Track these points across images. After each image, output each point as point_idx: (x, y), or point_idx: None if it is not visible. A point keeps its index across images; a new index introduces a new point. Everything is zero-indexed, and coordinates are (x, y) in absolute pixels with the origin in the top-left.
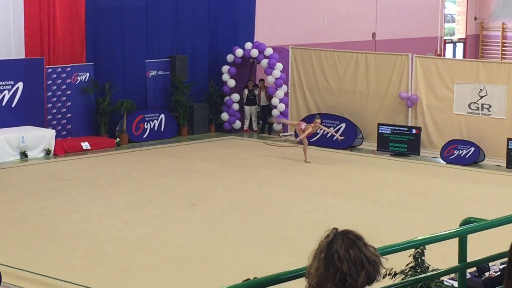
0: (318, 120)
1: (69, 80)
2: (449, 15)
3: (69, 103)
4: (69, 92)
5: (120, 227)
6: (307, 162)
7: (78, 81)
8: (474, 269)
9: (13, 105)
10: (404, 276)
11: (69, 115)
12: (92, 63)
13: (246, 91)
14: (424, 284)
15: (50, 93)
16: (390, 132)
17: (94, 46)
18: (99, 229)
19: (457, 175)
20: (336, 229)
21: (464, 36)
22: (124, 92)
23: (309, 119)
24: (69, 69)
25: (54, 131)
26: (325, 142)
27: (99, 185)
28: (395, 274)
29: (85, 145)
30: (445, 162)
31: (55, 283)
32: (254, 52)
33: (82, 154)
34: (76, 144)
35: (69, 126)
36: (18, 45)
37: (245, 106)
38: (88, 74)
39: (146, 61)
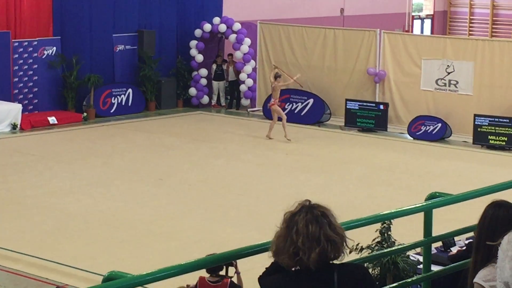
0: (276, 70)
1: (35, 54)
2: None
3: (36, 77)
4: (35, 66)
5: (87, 202)
6: (288, 139)
7: (45, 55)
8: (440, 244)
9: None
10: (370, 251)
11: (36, 89)
12: (59, 37)
13: (214, 66)
14: (390, 258)
15: (17, 67)
16: (357, 108)
17: (61, 20)
18: (66, 204)
19: (424, 150)
20: (309, 201)
21: (432, 12)
22: (92, 66)
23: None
24: (35, 43)
25: (20, 105)
26: (293, 118)
27: (66, 160)
28: (362, 249)
29: (52, 119)
30: (412, 138)
31: (21, 258)
32: (222, 27)
33: (49, 128)
34: (42, 118)
35: (36, 101)
36: None
37: (213, 81)
38: (55, 48)
39: (114, 35)
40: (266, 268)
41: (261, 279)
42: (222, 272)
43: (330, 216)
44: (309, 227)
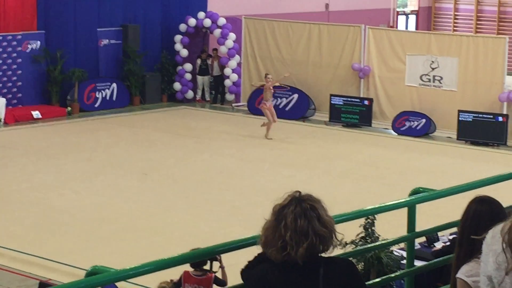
0: (270, 76)
1: (19, 48)
2: None
3: (20, 72)
4: (19, 60)
5: (71, 197)
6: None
7: (29, 49)
8: (424, 239)
9: None
10: (354, 246)
11: (20, 83)
12: (43, 31)
13: (199, 61)
14: (374, 254)
15: (0, 61)
16: (342, 103)
17: (45, 14)
18: (50, 199)
19: (408, 146)
20: (299, 193)
21: (416, 8)
22: (76, 61)
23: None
24: (19, 37)
25: (4, 99)
26: (277, 113)
27: (50, 154)
28: (346, 244)
29: (36, 114)
30: (396, 134)
31: (4, 252)
32: (207, 22)
33: (33, 123)
34: (26, 112)
35: (20, 95)
36: None
37: (197, 76)
38: (39, 42)
39: (98, 29)
40: (249, 261)
41: (243, 272)
42: (207, 267)
43: (320, 209)
44: (298, 222)
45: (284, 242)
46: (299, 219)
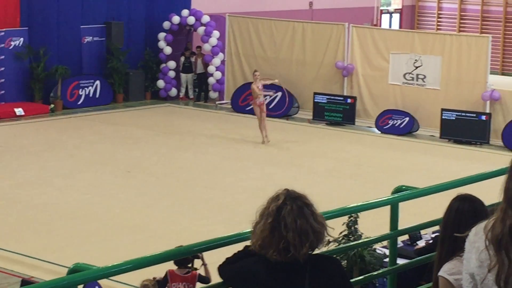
0: (257, 72)
1: (2, 45)
2: None
3: (3, 68)
4: (2, 57)
5: (54, 194)
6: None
7: (12, 46)
8: (407, 237)
9: None
10: (337, 244)
11: (3, 80)
12: (27, 28)
13: (182, 59)
14: (357, 252)
15: None
16: (325, 101)
17: (29, 10)
18: (32, 196)
19: (391, 144)
20: (288, 190)
21: (400, 7)
22: (59, 58)
23: (245, 87)
24: (2, 33)
25: None
26: None
27: (33, 152)
28: (329, 242)
29: (19, 111)
30: (379, 132)
31: None
32: (191, 20)
33: (16, 120)
34: (9, 109)
35: (3, 92)
36: None
37: (181, 73)
38: (22, 39)
39: (82, 26)
40: (228, 258)
41: (222, 267)
42: (190, 264)
43: (311, 205)
44: (297, 222)
45: (286, 243)
46: (298, 219)
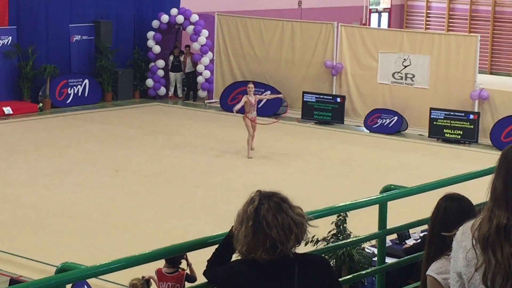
0: (251, 85)
1: None
2: None
3: None
4: None
5: (42, 193)
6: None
7: (0, 45)
8: (395, 236)
9: None
10: (326, 243)
11: None
12: (15, 26)
13: (171, 58)
14: (346, 251)
15: None
16: (314, 101)
17: (17, 9)
18: (20, 195)
19: (380, 143)
20: (260, 191)
21: (389, 6)
22: (48, 56)
23: (234, 86)
24: None
25: None
26: None
27: (21, 150)
28: (318, 241)
29: (7, 109)
30: (368, 131)
31: None
32: (180, 18)
33: (4, 118)
34: None
35: None
36: None
37: (170, 72)
38: (10, 37)
39: (70, 25)
40: (209, 260)
41: (209, 271)
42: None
43: (286, 199)
44: (278, 217)
45: (272, 241)
46: (278, 214)
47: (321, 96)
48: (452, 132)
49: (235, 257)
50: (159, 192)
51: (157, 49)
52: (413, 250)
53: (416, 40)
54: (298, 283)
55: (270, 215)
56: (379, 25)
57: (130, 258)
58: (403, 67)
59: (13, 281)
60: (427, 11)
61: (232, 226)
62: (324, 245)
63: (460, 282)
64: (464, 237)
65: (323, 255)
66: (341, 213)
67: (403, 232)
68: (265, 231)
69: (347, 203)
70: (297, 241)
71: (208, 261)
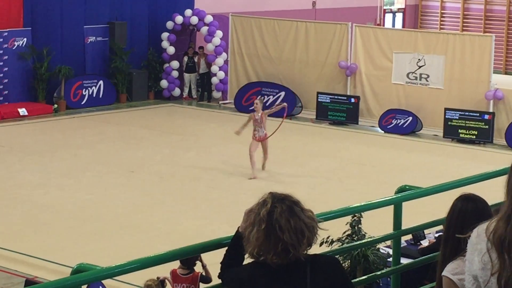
0: (257, 101)
1: (6, 45)
2: None
3: (6, 69)
4: (6, 57)
5: (57, 194)
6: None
7: (15, 46)
8: (410, 237)
9: None
10: (341, 244)
11: (6, 80)
12: (30, 28)
13: (185, 59)
14: (360, 251)
15: None
16: (329, 101)
17: (32, 10)
18: (35, 196)
19: (395, 144)
20: (272, 193)
21: (403, 6)
22: (62, 58)
23: (248, 87)
24: (6, 34)
25: None
26: (264, 110)
27: (36, 152)
28: (332, 241)
29: (22, 111)
30: (383, 131)
31: None
32: (194, 19)
33: (19, 120)
34: (13, 110)
35: (6, 92)
36: None
37: (184, 73)
38: (25, 39)
39: (85, 27)
40: (221, 263)
41: (222, 276)
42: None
43: (299, 202)
44: (291, 221)
45: (284, 245)
46: (291, 218)
47: (336, 97)
48: (467, 132)
49: (246, 257)
50: (174, 192)
51: (171, 50)
52: (428, 250)
53: (431, 40)
54: (311, 284)
55: (283, 219)
56: (393, 25)
57: (146, 259)
58: (418, 67)
59: (29, 282)
60: (442, 11)
61: (239, 227)
62: (339, 246)
63: (476, 285)
64: (479, 239)
65: (338, 255)
66: (356, 214)
67: (418, 232)
68: (277, 234)
69: (362, 203)
70: (309, 244)
71: (221, 263)
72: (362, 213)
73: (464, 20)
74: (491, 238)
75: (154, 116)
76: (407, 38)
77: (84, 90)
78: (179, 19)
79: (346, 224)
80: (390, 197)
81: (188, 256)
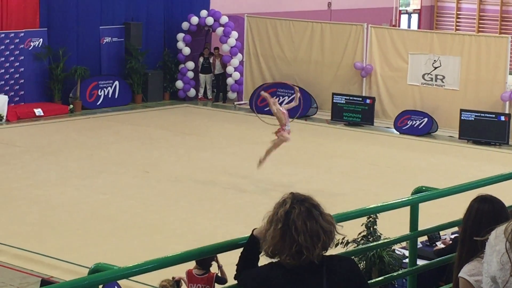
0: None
1: (22, 46)
2: None
3: (22, 69)
4: (22, 57)
5: (73, 194)
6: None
7: (32, 47)
8: (426, 238)
9: None
10: (356, 245)
11: (22, 81)
12: (46, 28)
13: (201, 59)
14: (376, 252)
15: (3, 59)
16: (344, 102)
17: (48, 11)
18: (51, 196)
19: (410, 145)
20: (293, 194)
21: (419, 7)
22: (78, 58)
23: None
24: (22, 34)
25: (6, 96)
26: None
27: (52, 152)
28: (347, 243)
29: (38, 111)
30: (398, 132)
31: (6, 250)
32: (210, 20)
33: (35, 120)
34: (29, 110)
35: (22, 92)
36: None
37: (200, 74)
38: (41, 39)
39: (101, 27)
40: (237, 264)
41: (240, 275)
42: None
43: (318, 206)
44: (307, 224)
45: (298, 247)
46: (308, 221)
47: (351, 98)
48: (482, 133)
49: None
50: (189, 193)
51: (187, 50)
52: (444, 252)
53: (446, 41)
54: (327, 285)
55: (299, 221)
56: (409, 26)
57: (163, 259)
58: (433, 68)
59: (44, 281)
60: (457, 12)
61: (254, 229)
62: (354, 247)
63: (494, 287)
64: (497, 241)
65: (353, 257)
66: (371, 215)
67: (433, 234)
68: (292, 235)
69: (378, 204)
70: (324, 248)
71: (236, 265)
72: (377, 214)
73: (480, 21)
74: (510, 239)
75: (170, 117)
76: (422, 39)
77: (99, 90)
78: (194, 19)
79: (362, 225)
80: (407, 198)
81: (205, 257)
